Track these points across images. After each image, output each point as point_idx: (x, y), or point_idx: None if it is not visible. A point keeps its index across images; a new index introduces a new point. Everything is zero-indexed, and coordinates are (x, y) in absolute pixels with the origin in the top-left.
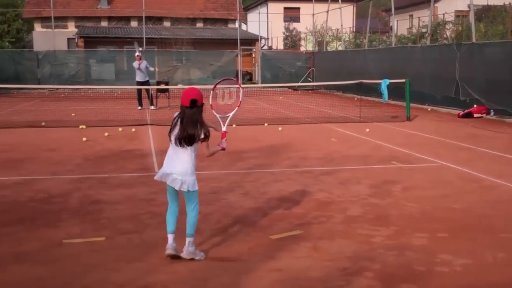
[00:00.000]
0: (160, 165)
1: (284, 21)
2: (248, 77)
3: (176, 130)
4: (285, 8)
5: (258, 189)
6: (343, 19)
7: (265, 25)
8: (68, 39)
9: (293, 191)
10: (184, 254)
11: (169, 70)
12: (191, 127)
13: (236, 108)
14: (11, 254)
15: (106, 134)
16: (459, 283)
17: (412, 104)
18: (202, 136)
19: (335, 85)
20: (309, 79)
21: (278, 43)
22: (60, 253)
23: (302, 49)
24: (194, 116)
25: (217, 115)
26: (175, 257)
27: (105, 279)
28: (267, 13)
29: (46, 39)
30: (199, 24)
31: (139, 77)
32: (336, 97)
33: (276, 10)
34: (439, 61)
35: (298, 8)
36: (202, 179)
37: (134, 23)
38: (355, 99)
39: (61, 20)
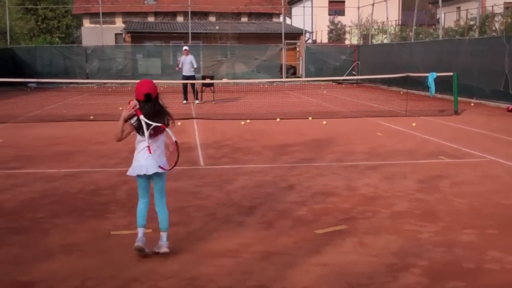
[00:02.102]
0: (206, 158)
1: (329, 14)
2: (292, 71)
3: (141, 124)
4: (330, 2)
5: (302, 183)
6: (388, 12)
7: (310, 19)
8: (116, 34)
9: (338, 186)
10: (163, 249)
11: (214, 65)
12: (156, 119)
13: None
14: (61, 245)
15: None
16: (509, 281)
17: (459, 98)
18: (167, 123)
19: (380, 79)
20: (354, 72)
21: (322, 37)
22: (108, 244)
23: (347, 42)
24: (158, 109)
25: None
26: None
27: (152, 270)
28: (312, 6)
29: (95, 34)
30: (244, 19)
31: (185, 71)
32: (381, 91)
33: (321, 3)
34: (487, 54)
35: (343, 1)
36: (247, 173)
37: (180, 18)
38: (401, 92)
39: (109, 15)
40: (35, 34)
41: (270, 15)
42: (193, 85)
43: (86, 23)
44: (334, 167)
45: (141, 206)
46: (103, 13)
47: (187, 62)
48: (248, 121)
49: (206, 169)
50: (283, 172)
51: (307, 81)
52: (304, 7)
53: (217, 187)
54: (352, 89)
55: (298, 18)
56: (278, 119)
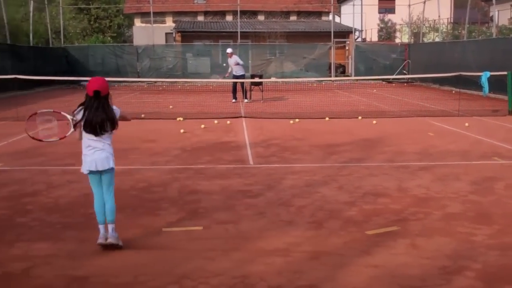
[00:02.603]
0: (255, 156)
1: (379, 12)
2: (341, 70)
3: (87, 120)
4: None
5: (352, 183)
6: (440, 10)
7: (359, 17)
8: (166, 33)
9: (389, 186)
10: (111, 240)
11: (263, 64)
12: (104, 115)
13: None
14: None
15: (202, 126)
16: None
17: None
18: (112, 125)
19: (432, 78)
20: (404, 71)
21: (372, 35)
22: (160, 241)
23: (397, 41)
24: (103, 105)
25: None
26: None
27: (203, 267)
28: (362, 4)
29: (145, 33)
30: (293, 17)
31: (235, 71)
32: (433, 90)
33: (370, 1)
34: None
35: None
36: (296, 172)
37: (229, 17)
38: (453, 92)
39: (160, 15)
40: (88, 33)
41: (319, 14)
42: (242, 84)
43: (137, 22)
44: (384, 167)
45: (95, 201)
46: (154, 13)
47: (232, 63)
48: (296, 120)
49: (255, 168)
50: (332, 172)
51: (357, 80)
52: (353, 5)
53: (266, 186)
54: (403, 88)
55: (348, 16)
56: (327, 118)
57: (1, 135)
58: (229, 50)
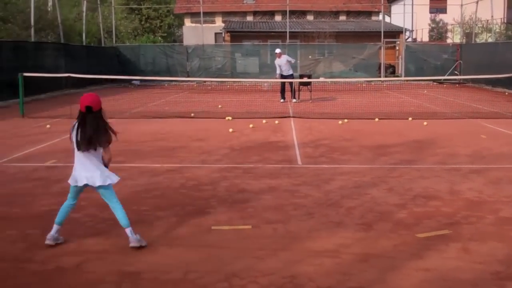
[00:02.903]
0: (303, 157)
1: (430, 12)
2: (391, 70)
3: (77, 135)
4: None
5: (403, 185)
6: (493, 10)
7: (410, 17)
8: (216, 33)
9: (440, 189)
10: (133, 244)
11: (312, 64)
12: (93, 133)
13: None
14: (164, 238)
15: (251, 125)
16: None
17: None
18: (104, 140)
19: (484, 79)
20: (456, 72)
21: (423, 35)
22: (209, 239)
23: (449, 41)
24: (94, 121)
25: None
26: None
27: (252, 266)
28: (412, 4)
29: (195, 33)
30: (342, 17)
31: (284, 71)
32: (485, 92)
33: (422, 1)
34: None
35: None
36: (345, 173)
37: (278, 17)
38: (506, 93)
39: (209, 15)
40: (139, 33)
41: (369, 13)
42: (291, 84)
43: (187, 22)
44: (436, 169)
45: (66, 205)
46: (203, 13)
47: (283, 63)
48: (345, 120)
49: (304, 168)
50: (382, 173)
51: (407, 80)
52: (404, 4)
53: (315, 186)
54: (454, 89)
55: (398, 16)
56: (376, 119)
57: (54, 132)
58: (277, 51)
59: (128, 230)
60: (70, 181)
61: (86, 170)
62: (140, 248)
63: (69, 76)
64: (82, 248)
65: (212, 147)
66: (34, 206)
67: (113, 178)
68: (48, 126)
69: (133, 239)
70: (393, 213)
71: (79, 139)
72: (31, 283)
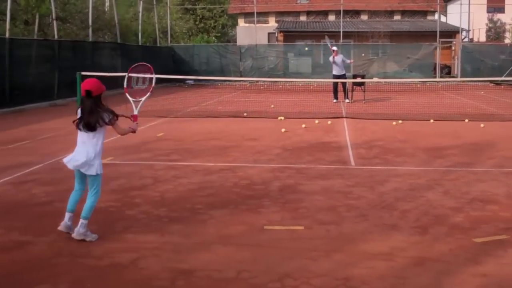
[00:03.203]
0: (356, 158)
1: (487, 12)
2: (447, 71)
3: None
4: None
5: (459, 189)
6: None
7: (467, 16)
8: (269, 33)
9: (498, 193)
10: (74, 235)
11: (365, 64)
12: (89, 115)
13: (148, 93)
14: (217, 236)
15: (303, 125)
16: None
17: None
18: (107, 120)
19: None
20: None
21: (480, 35)
22: (262, 238)
23: (507, 41)
24: (92, 106)
25: (130, 99)
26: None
27: (304, 267)
28: (469, 4)
29: (248, 33)
30: (397, 17)
31: (335, 71)
32: None
33: (478, 0)
34: None
35: None
36: (399, 175)
37: (331, 17)
38: None
39: (263, 15)
40: (193, 33)
41: (424, 13)
42: (344, 84)
43: (241, 22)
44: (493, 172)
45: (73, 193)
46: (257, 13)
47: (339, 62)
48: (400, 121)
49: (357, 169)
50: (438, 176)
51: (463, 81)
52: (461, 4)
53: (369, 188)
54: None
55: (454, 15)
56: (431, 120)
57: (111, 130)
58: (334, 48)
59: (81, 222)
60: (65, 160)
61: (78, 154)
62: (82, 241)
63: (125, 76)
64: (137, 244)
65: (264, 147)
66: None
67: (92, 170)
68: None
69: (79, 231)
70: (449, 217)
71: (78, 120)
72: (87, 277)
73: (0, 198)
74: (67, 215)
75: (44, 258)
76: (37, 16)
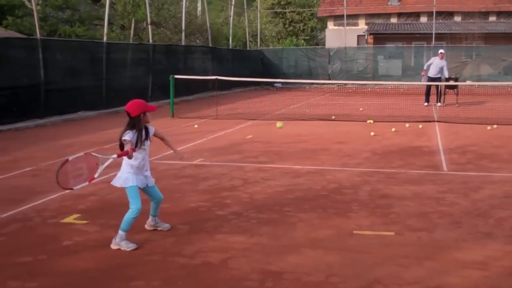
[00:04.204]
0: (449, 163)
1: None
2: None
3: None
4: None
5: None
6: None
7: None
8: (358, 36)
9: None
10: (111, 245)
11: (458, 66)
12: (122, 133)
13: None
14: (306, 239)
15: (393, 129)
16: None
17: None
18: (122, 139)
19: None
20: None
21: None
22: (351, 243)
23: None
24: (126, 126)
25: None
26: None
27: (395, 274)
28: None
29: (337, 36)
30: (492, 18)
31: (432, 73)
32: None
33: None
34: None
35: None
36: (495, 182)
37: (423, 19)
38: None
39: (352, 17)
40: (282, 36)
41: None
42: (437, 87)
43: (330, 25)
44: None
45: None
46: (347, 15)
47: (437, 65)
48: (495, 126)
49: (450, 175)
50: None
51: None
52: None
53: (462, 195)
54: None
55: None
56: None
57: (202, 132)
58: (441, 51)
59: (121, 234)
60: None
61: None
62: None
63: (216, 79)
64: (227, 245)
65: (353, 150)
66: (182, 202)
67: (116, 182)
68: (196, 126)
69: (114, 241)
70: None
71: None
72: (179, 276)
73: (96, 197)
74: (150, 218)
75: (137, 256)
76: (133, 21)
